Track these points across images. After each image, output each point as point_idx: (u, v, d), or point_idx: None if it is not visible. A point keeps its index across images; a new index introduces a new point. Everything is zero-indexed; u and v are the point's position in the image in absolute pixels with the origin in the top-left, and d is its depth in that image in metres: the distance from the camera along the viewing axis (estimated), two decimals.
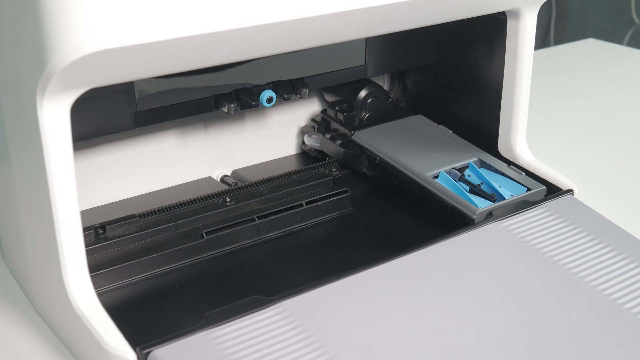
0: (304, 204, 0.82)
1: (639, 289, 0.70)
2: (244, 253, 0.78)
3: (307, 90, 0.85)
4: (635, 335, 0.64)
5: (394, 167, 0.86)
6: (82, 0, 0.52)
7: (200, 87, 0.79)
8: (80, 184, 0.68)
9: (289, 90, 0.84)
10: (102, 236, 0.75)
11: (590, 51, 1.51)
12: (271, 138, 0.95)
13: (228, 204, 0.81)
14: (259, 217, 0.80)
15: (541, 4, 0.81)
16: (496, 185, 0.82)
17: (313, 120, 0.96)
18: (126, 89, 0.75)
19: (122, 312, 0.69)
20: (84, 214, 0.68)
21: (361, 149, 0.89)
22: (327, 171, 0.89)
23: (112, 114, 0.75)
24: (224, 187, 0.86)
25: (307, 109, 0.98)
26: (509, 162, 0.86)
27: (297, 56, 0.84)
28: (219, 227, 0.78)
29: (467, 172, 0.85)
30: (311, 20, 0.63)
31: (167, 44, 0.57)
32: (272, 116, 0.94)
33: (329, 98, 0.97)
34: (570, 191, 0.82)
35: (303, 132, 0.97)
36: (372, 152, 0.88)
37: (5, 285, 0.77)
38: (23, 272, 0.74)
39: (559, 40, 2.59)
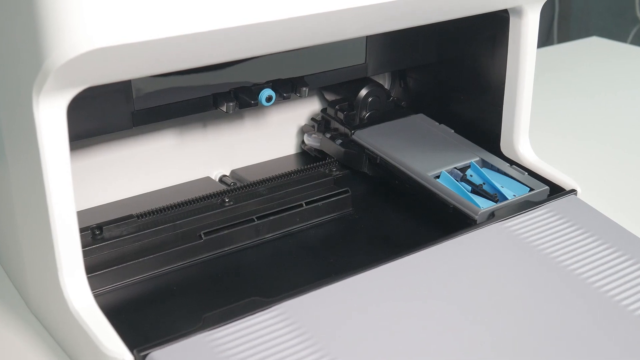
0: (304, 204, 0.82)
1: None
2: (242, 254, 0.78)
3: (307, 89, 0.84)
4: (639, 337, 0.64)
5: (395, 167, 0.85)
6: None
7: (199, 86, 0.79)
8: (77, 184, 0.67)
9: (288, 89, 0.83)
10: (99, 237, 0.74)
11: (593, 49, 1.51)
12: (270, 137, 0.94)
13: (227, 204, 0.81)
14: (258, 218, 0.79)
15: (544, 1, 0.80)
16: (498, 185, 0.81)
17: (313, 119, 0.95)
18: (124, 87, 0.74)
19: (119, 314, 0.69)
20: (81, 214, 0.67)
21: (362, 148, 0.88)
22: (327, 171, 0.88)
23: (109, 113, 0.75)
24: (223, 187, 0.86)
25: (307, 108, 0.97)
26: (512, 162, 0.86)
27: (296, 55, 0.84)
28: (218, 227, 0.77)
29: (469, 172, 0.84)
30: (311, 18, 0.62)
31: (166, 42, 0.57)
32: (272, 115, 0.94)
33: (329, 97, 0.96)
34: (573, 191, 0.81)
35: (303, 131, 0.96)
36: (372, 152, 0.87)
37: (1, 286, 0.77)
38: (19, 273, 0.73)
39: (562, 39, 2.58)
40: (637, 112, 1.20)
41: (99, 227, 0.75)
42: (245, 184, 0.84)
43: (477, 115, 0.90)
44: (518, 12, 0.80)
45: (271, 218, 0.80)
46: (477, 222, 0.77)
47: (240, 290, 0.73)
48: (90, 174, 0.82)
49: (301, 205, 0.82)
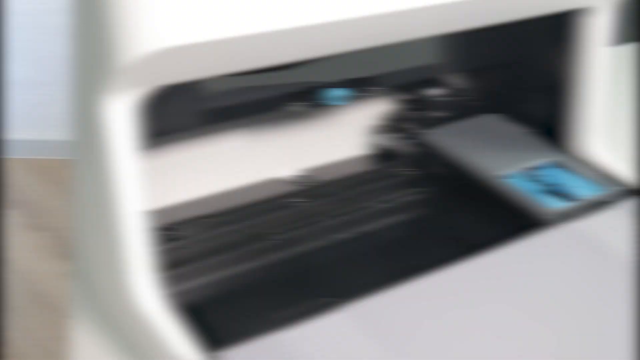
0: (376, 205, 0.81)
1: None
2: (314, 255, 0.77)
3: (380, 89, 0.84)
4: None
5: (467, 167, 0.84)
6: None
7: (270, 86, 0.79)
8: (149, 183, 0.68)
9: (360, 88, 0.83)
10: (169, 237, 0.74)
11: None
12: (341, 137, 0.94)
13: (298, 204, 0.80)
14: (330, 218, 0.79)
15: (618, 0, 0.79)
16: (572, 185, 0.80)
17: (384, 119, 0.95)
18: (194, 87, 0.75)
19: (190, 315, 0.69)
20: (153, 214, 0.67)
21: (433, 148, 0.88)
22: (398, 171, 0.88)
23: (179, 112, 0.75)
24: (294, 187, 0.86)
25: (379, 108, 0.96)
26: (586, 162, 0.84)
27: (369, 53, 0.83)
28: (289, 228, 0.77)
29: (541, 171, 0.83)
30: (387, 17, 0.62)
31: (237, 41, 0.57)
32: (343, 115, 0.93)
33: (402, 97, 0.96)
34: None
35: (374, 131, 0.95)
36: (444, 152, 0.86)
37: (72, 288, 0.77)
38: (89, 274, 0.73)
39: None
40: None
41: (170, 226, 0.75)
42: (316, 184, 0.84)
43: (550, 115, 0.89)
44: (592, 11, 0.79)
45: (343, 218, 0.79)
46: (550, 223, 0.76)
47: (312, 291, 0.72)
48: (161, 173, 0.82)
49: (373, 206, 0.81)
